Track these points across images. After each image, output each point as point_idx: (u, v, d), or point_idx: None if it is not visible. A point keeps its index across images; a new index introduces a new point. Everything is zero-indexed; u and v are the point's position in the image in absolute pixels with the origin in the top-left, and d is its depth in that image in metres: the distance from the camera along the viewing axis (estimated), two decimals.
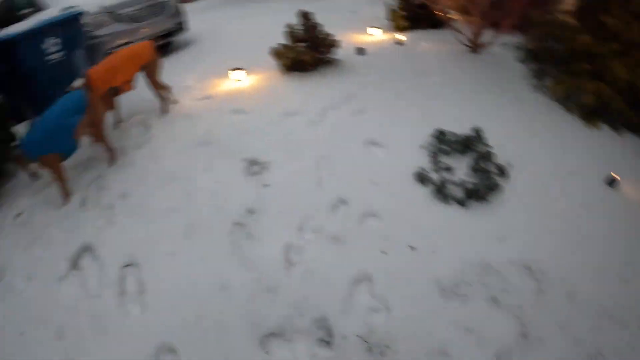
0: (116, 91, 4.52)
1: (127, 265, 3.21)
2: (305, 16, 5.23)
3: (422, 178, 3.55)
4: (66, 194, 3.88)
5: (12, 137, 4.43)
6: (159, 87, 4.79)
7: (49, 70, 4.86)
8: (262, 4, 10.70)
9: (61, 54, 4.99)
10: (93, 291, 3.11)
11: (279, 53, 5.30)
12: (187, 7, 8.46)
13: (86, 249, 3.40)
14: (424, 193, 3.47)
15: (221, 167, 3.87)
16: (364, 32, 6.84)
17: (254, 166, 3.80)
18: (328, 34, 5.27)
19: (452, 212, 3.33)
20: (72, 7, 5.23)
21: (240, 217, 3.37)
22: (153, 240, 3.33)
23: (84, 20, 5.66)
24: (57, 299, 3.12)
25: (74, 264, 3.32)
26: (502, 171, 3.59)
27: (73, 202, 3.85)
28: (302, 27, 5.24)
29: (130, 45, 4.79)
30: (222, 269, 3.04)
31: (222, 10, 10.73)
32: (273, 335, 2.69)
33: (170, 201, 3.62)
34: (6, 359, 2.90)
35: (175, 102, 4.98)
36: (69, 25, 5.07)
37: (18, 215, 3.93)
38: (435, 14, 6.29)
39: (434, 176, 3.56)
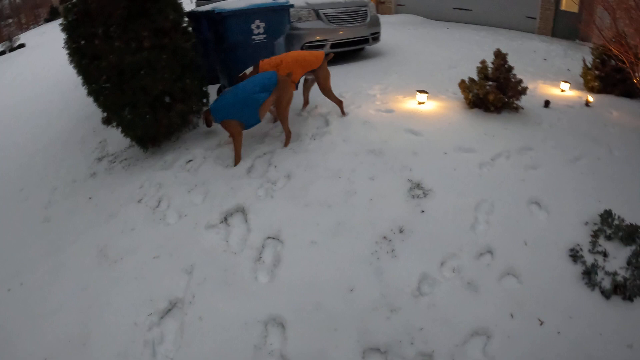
0: None
1: (270, 238, 3.45)
2: (501, 56, 5.11)
3: (575, 256, 3.28)
4: (238, 158, 4.30)
5: (204, 95, 5.03)
6: (330, 95, 5.01)
7: (250, 48, 5.35)
8: (459, 31, 10.69)
9: (263, 36, 5.45)
10: (233, 248, 3.42)
11: (465, 86, 5.24)
12: (383, 19, 8.72)
13: (240, 210, 3.74)
14: (571, 271, 3.20)
15: (385, 180, 3.93)
16: (552, 82, 6.47)
17: (417, 189, 3.80)
18: (520, 80, 5.09)
19: (591, 300, 3.03)
20: None
21: (389, 232, 3.41)
22: (302, 224, 3.52)
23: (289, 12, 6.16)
24: (199, 242, 3.49)
25: (225, 219, 3.69)
26: None
27: (241, 166, 4.25)
28: (494, 66, 5.12)
29: (305, 50, 5.06)
30: (356, 274, 3.11)
31: (417, 29, 10.92)
32: (378, 351, 2.71)
33: (328, 195, 3.78)
34: (133, 272, 3.34)
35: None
36: (276, 13, 5.51)
37: (189, 161, 4.48)
38: (633, 81, 5.72)
39: (588, 257, 3.27)
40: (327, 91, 4.98)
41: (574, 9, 9.89)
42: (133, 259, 3.45)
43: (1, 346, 3.19)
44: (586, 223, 3.55)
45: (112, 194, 4.35)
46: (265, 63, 4.75)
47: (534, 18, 10.84)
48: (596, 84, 6.29)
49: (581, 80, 6.57)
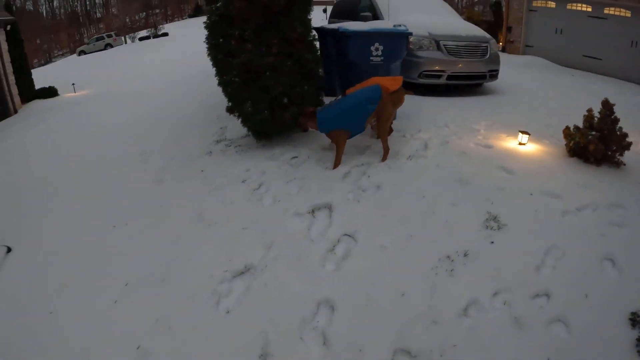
0: None
1: (347, 235, 3.86)
2: (607, 106, 5.00)
3: (634, 320, 3.17)
4: (337, 163, 4.80)
5: (319, 103, 5.58)
6: (383, 131, 5.22)
7: (367, 67, 5.78)
8: (583, 79, 10.41)
9: (381, 58, 5.87)
10: (312, 236, 3.90)
11: (568, 133, 5.22)
12: (509, 58, 8.69)
13: (327, 206, 4.22)
14: (626, 335, 3.08)
15: (465, 207, 4.13)
16: None
17: (492, 221, 3.96)
18: (625, 134, 4.95)
19: None
20: (402, 25, 6.06)
21: (454, 253, 3.62)
22: (377, 230, 3.89)
23: (411, 40, 6.64)
24: (284, 225, 4.04)
25: (312, 211, 4.19)
26: None
27: (338, 171, 4.74)
28: (599, 116, 5.03)
29: (385, 77, 5.38)
30: (412, 282, 3.39)
31: (541, 72, 10.74)
32: (408, 354, 2.94)
33: (408, 210, 4.10)
34: (222, 236, 3.94)
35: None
36: (396, 39, 5.91)
37: (294, 157, 5.10)
38: None
39: None
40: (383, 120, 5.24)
41: None
42: (225, 226, 4.09)
43: (93, 267, 4.01)
44: None
45: (221, 171, 5.08)
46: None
47: None
48: None
49: None
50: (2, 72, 13.10)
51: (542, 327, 3.13)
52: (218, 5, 5.01)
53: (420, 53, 7.31)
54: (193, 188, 4.88)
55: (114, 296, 3.60)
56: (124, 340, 3.25)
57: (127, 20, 52.23)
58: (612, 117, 5.01)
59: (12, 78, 13.50)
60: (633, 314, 3.23)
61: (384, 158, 4.90)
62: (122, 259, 4.01)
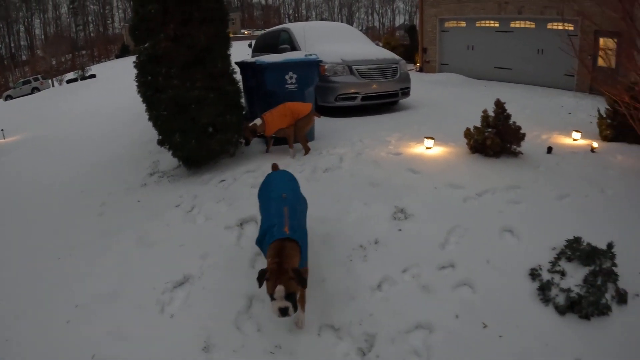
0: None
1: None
2: (499, 105, 5.65)
3: (534, 274, 3.62)
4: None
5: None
6: (302, 140, 6.05)
7: (284, 95, 6.35)
8: (495, 88, 11.28)
9: (295, 86, 6.46)
10: (242, 245, 4.32)
11: (467, 133, 5.83)
12: (426, 77, 9.29)
13: (253, 219, 4.56)
14: (528, 288, 3.53)
15: (376, 205, 4.62)
16: (568, 133, 6.70)
17: (400, 213, 4.46)
18: (519, 127, 5.59)
19: (544, 314, 3.31)
20: (313, 54, 6.73)
21: (366, 242, 4.11)
22: None
23: (326, 67, 7.37)
24: (216, 238, 4.38)
25: (241, 224, 4.57)
26: (621, 297, 3.37)
27: None
28: (494, 115, 5.65)
29: (297, 103, 6.11)
30: (330, 270, 3.82)
31: (455, 87, 11.62)
32: (332, 327, 3.31)
33: (325, 213, 4.51)
34: (162, 254, 4.24)
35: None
36: (306, 67, 6.53)
37: (222, 180, 5.57)
38: None
39: (546, 276, 3.58)
40: (301, 137, 6.04)
41: (612, 65, 9.95)
42: (164, 245, 4.39)
43: (42, 295, 4.11)
44: (554, 248, 3.84)
45: (156, 199, 5.40)
46: (268, 116, 5.87)
47: (572, 75, 11.05)
48: (609, 132, 6.47)
49: (596, 130, 6.72)
50: None
51: (449, 291, 3.59)
52: (146, 45, 5.43)
53: (335, 78, 7.97)
54: (132, 217, 5.14)
55: (65, 317, 3.74)
56: (79, 353, 3.38)
57: (54, 62, 50.30)
58: (505, 113, 5.66)
59: None
60: (532, 269, 3.71)
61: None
62: (71, 285, 4.14)
